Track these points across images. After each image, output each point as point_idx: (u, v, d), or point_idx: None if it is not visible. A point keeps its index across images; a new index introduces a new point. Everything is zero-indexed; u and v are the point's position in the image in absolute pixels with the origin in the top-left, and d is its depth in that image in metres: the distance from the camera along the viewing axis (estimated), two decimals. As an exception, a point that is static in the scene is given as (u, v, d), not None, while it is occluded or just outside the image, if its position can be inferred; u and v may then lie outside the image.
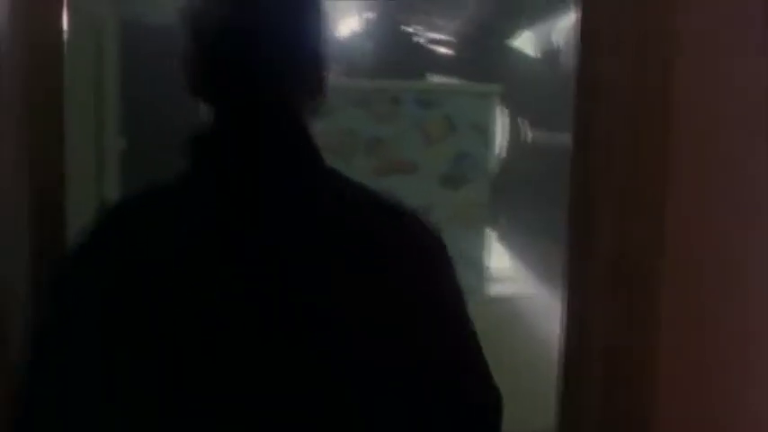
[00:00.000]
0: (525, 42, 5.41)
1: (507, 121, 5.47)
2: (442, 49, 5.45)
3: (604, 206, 1.17)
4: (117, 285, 1.00)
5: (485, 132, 4.38)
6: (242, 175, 0.99)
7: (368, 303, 0.99)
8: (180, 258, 0.99)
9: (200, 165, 1.01)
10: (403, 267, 1.00)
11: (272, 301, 0.97)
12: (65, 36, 1.32)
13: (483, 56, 5.21)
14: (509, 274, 5.28)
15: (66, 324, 1.02)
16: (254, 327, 0.99)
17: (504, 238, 5.46)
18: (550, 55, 5.36)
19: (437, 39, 5.41)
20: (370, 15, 5.21)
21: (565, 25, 5.26)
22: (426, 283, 1.02)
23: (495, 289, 4.62)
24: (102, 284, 1.01)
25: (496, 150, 5.07)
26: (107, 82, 3.23)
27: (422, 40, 5.40)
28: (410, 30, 5.34)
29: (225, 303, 0.98)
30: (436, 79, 5.15)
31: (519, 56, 5.41)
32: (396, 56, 4.99)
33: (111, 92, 3.31)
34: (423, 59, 5.21)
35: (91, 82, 3.19)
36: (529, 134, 5.44)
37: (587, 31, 1.19)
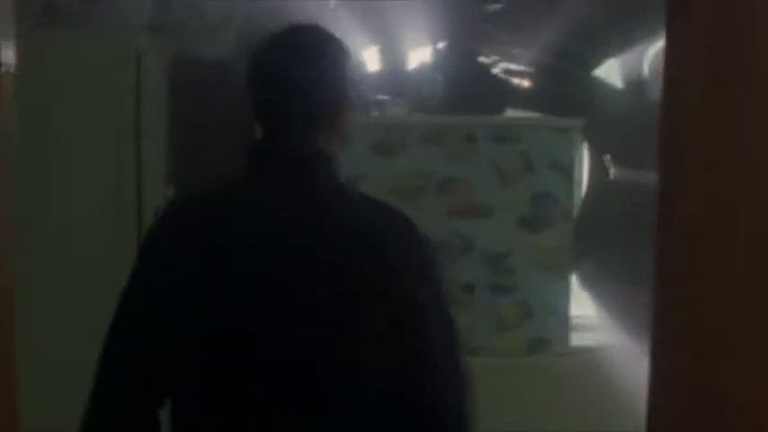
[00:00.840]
0: (610, 72, 5.45)
1: (590, 158, 5.51)
2: (520, 81, 5.50)
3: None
4: (177, 263, 1.60)
5: (566, 171, 4.38)
6: (273, 178, 1.63)
7: (371, 288, 1.55)
8: (225, 241, 1.58)
9: (248, 171, 1.63)
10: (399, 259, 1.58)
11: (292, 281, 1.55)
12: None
13: (564, 87, 5.27)
14: (593, 323, 5.25)
15: (144, 291, 1.62)
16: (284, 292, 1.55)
17: (587, 284, 5.45)
18: (637, 86, 5.38)
19: (514, 69, 5.48)
20: (443, 45, 5.27)
21: (654, 54, 5.30)
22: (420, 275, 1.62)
23: (578, 339, 4.60)
24: (168, 260, 1.61)
25: (578, 190, 5.14)
26: (152, 123, 3.30)
27: (498, 71, 5.45)
28: (486, 60, 5.42)
29: (258, 283, 1.55)
30: (513, 113, 5.21)
31: (603, 87, 5.45)
32: (470, 88, 5.05)
33: (156, 135, 3.40)
34: (499, 92, 5.30)
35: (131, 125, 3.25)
36: (614, 172, 5.45)
37: (673, 61, 1.20)
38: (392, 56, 5.35)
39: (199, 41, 3.69)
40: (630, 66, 5.38)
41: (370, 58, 4.88)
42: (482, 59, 5.36)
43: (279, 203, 1.61)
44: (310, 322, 1.57)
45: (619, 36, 5.22)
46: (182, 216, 1.70)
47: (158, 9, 3.55)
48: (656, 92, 5.26)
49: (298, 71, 1.62)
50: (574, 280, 4.78)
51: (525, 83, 5.52)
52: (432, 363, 1.60)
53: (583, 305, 5.19)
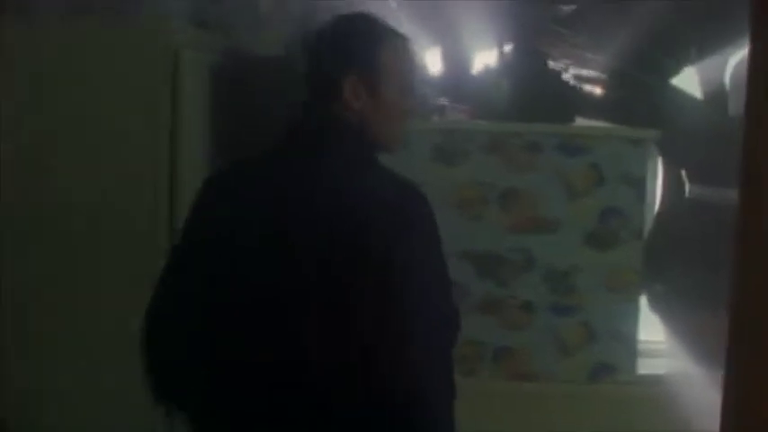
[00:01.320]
0: (688, 81, 5.40)
1: (664, 172, 5.45)
2: (592, 88, 5.49)
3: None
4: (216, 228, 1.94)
5: (638, 185, 4.34)
6: (292, 147, 2.00)
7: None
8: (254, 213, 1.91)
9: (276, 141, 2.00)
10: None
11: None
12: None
13: (638, 96, 5.21)
14: (662, 350, 5.14)
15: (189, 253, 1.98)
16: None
17: (657, 308, 5.36)
18: (717, 98, 5.33)
19: (586, 75, 5.49)
20: (510, 48, 5.30)
21: (736, 63, 5.26)
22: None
23: (645, 366, 4.57)
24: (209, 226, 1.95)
25: (651, 207, 5.07)
26: (189, 125, 3.30)
27: (568, 77, 5.48)
28: (555, 65, 5.43)
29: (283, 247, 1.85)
30: (583, 122, 5.17)
31: (681, 97, 5.38)
32: (538, 95, 5.01)
33: (196, 137, 3.38)
34: (568, 99, 5.25)
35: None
36: (690, 188, 5.42)
37: (758, 67, 1.18)
38: (455, 58, 5.34)
39: (250, 38, 3.69)
40: (711, 75, 5.33)
41: (431, 61, 4.87)
42: (551, 64, 5.36)
43: (294, 171, 1.95)
44: (313, 288, 1.88)
45: (699, 43, 5.20)
46: (212, 188, 2.07)
47: (204, 1, 3.56)
48: (737, 105, 5.25)
49: (323, 44, 2.05)
50: (643, 303, 4.71)
51: (597, 90, 5.50)
52: (421, 348, 1.86)
53: (652, 330, 5.11)
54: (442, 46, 4.80)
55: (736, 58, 5.25)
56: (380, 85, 2.04)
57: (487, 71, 5.38)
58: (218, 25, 3.61)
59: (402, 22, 4.63)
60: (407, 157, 4.01)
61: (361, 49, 2.03)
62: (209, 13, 3.57)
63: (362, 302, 1.84)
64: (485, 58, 5.41)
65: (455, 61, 5.33)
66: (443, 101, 4.38)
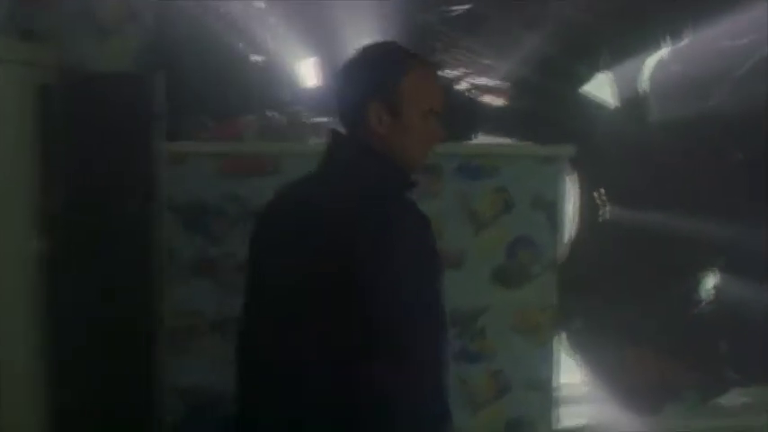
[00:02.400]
0: (602, 89, 5.42)
1: (579, 193, 5.42)
2: (493, 99, 5.42)
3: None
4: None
5: (551, 209, 4.36)
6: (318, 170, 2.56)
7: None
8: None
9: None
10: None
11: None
12: None
13: (547, 107, 5.18)
14: (584, 395, 5.30)
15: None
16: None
17: (577, 348, 5.39)
18: (635, 103, 5.37)
19: (486, 85, 5.40)
20: None
21: (653, 66, 5.36)
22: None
23: (567, 415, 4.68)
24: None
25: (565, 233, 5.04)
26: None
27: (466, 88, 5.37)
28: (450, 74, 5.31)
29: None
30: (485, 140, 5.09)
31: (594, 106, 5.40)
32: None
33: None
34: (467, 113, 5.16)
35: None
36: (608, 211, 5.41)
37: None
38: (334, 69, 5.08)
39: (87, 51, 3.62)
40: (626, 80, 5.37)
41: (305, 72, 4.78)
42: (445, 73, 5.23)
43: (322, 195, 2.47)
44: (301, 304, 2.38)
45: (612, 45, 5.21)
46: (260, 213, 2.64)
47: (29, 8, 3.48)
48: (656, 111, 5.27)
49: (348, 73, 2.56)
50: (560, 343, 4.74)
51: (499, 102, 5.43)
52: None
53: (572, 374, 5.19)
54: (318, 55, 4.66)
55: (653, 59, 5.33)
56: (403, 110, 2.45)
57: None
58: (49, 36, 3.53)
59: (270, 26, 4.54)
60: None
61: (384, 75, 2.46)
62: (35, 21, 3.50)
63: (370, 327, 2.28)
64: None
65: (333, 72, 5.10)
66: (321, 118, 4.23)
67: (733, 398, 5.61)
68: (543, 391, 4.37)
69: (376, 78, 2.47)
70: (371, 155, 2.47)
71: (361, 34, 4.13)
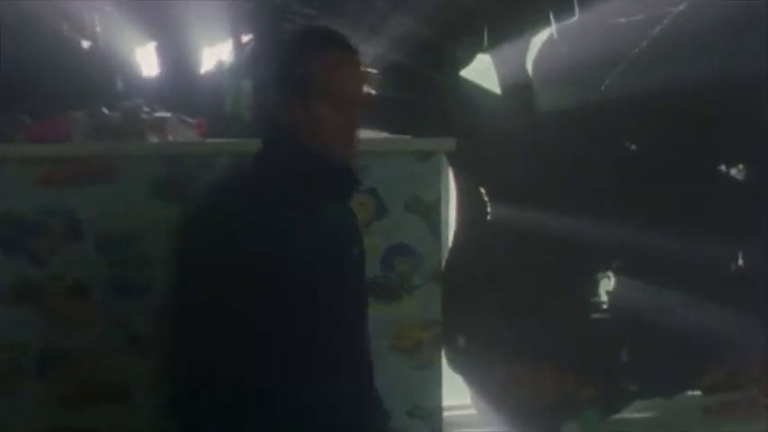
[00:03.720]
0: (483, 73, 5.37)
1: (460, 191, 5.40)
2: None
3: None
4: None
5: (430, 212, 4.20)
6: None
7: None
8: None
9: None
10: None
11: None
12: None
13: (421, 95, 5.11)
14: (472, 418, 5.36)
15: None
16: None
17: (463, 365, 5.32)
18: (520, 89, 5.33)
19: None
20: (248, 39, 5.09)
21: (541, 46, 5.37)
22: None
23: None
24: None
25: (446, 237, 4.92)
26: None
27: None
28: None
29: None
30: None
31: (474, 93, 5.35)
32: None
33: None
34: None
35: None
36: (492, 210, 5.37)
37: None
38: (176, 55, 5.00)
39: None
40: (509, 64, 5.33)
41: (144, 60, 4.53)
42: None
43: (250, 189, 2.73)
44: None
45: (493, 24, 5.16)
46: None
47: None
48: (543, 98, 5.20)
49: (261, 64, 3.15)
50: (444, 362, 4.54)
51: (368, 90, 5.25)
52: None
53: (458, 393, 5.20)
54: (159, 39, 4.46)
55: (539, 39, 5.32)
56: (313, 99, 2.62)
57: (221, 71, 5.06)
58: None
59: (100, 6, 4.33)
60: (119, 194, 3.66)
61: (294, 63, 2.64)
62: None
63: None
64: (216, 54, 5.17)
65: (176, 59, 5.00)
66: (162, 114, 4.02)
67: (635, 411, 5.63)
68: (428, 420, 4.21)
69: (287, 66, 2.66)
70: (285, 146, 2.70)
71: (206, 15, 3.95)
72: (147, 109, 4.12)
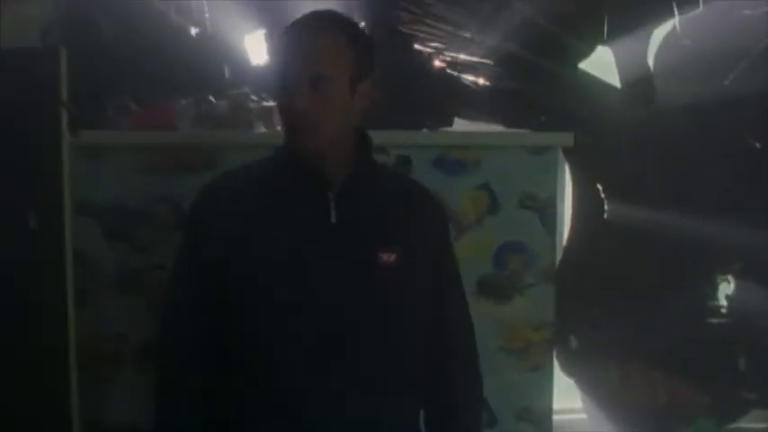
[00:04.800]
0: (603, 66, 5.24)
1: (576, 189, 5.26)
2: (474, 79, 5.27)
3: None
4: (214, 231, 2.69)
5: (545, 209, 4.14)
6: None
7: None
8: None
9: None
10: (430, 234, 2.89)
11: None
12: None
13: (539, 88, 4.99)
14: (583, 425, 5.22)
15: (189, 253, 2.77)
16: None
17: (573, 369, 5.23)
18: (641, 86, 5.18)
19: (465, 62, 5.21)
20: (362, 26, 4.93)
21: (663, 39, 5.19)
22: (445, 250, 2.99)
23: None
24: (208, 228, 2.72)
25: (561, 236, 4.90)
26: None
27: (442, 65, 5.18)
28: (423, 49, 5.13)
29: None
30: (467, 127, 4.91)
31: (594, 87, 5.22)
32: (401, 91, 4.69)
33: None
34: (444, 96, 4.99)
35: None
36: (613, 209, 5.22)
37: None
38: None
39: None
40: (630, 57, 5.17)
41: (253, 48, 4.58)
42: (417, 47, 5.07)
43: None
44: None
45: (614, 15, 5.01)
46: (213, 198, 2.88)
47: None
48: (664, 93, 5.05)
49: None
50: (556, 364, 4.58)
51: (484, 82, 5.26)
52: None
53: (569, 396, 5.13)
54: (268, 26, 4.42)
55: (661, 32, 5.17)
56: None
57: None
58: None
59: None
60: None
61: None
62: None
63: None
64: None
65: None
66: (270, 103, 4.02)
67: (752, 421, 5.43)
68: (537, 424, 4.15)
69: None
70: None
71: (317, 1, 3.85)
72: (254, 98, 4.12)
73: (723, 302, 5.42)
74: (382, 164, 2.84)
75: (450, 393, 3.00)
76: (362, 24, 4.92)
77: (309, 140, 2.61)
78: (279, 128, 4.05)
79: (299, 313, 2.63)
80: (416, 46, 5.04)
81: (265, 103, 4.01)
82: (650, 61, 5.18)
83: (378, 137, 3.78)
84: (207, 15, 4.28)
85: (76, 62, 3.29)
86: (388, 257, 2.70)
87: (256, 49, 4.46)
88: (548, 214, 4.13)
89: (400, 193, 2.87)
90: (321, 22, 2.65)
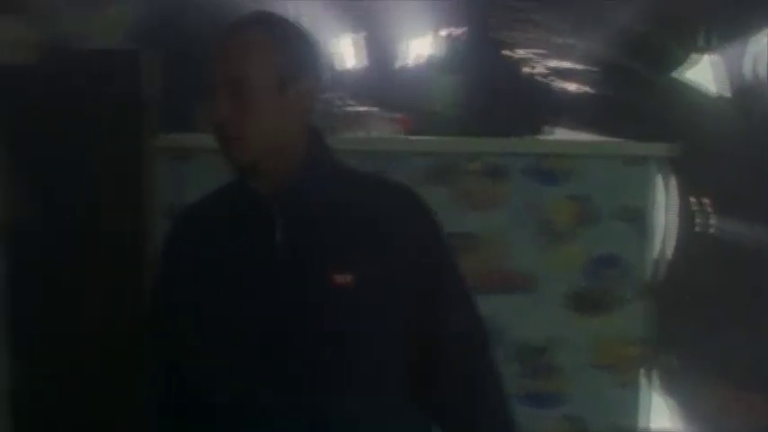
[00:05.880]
0: (703, 73, 5.17)
1: (677, 201, 5.10)
2: (570, 86, 5.31)
3: None
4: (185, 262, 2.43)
5: (640, 221, 4.17)
6: None
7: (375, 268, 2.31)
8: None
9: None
10: (405, 242, 2.36)
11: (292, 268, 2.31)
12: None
13: (637, 96, 4.94)
14: None
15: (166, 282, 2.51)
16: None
17: (671, 388, 5.02)
18: (743, 93, 5.12)
19: (561, 68, 5.27)
20: (456, 32, 5.03)
21: (762, 46, 5.07)
22: (427, 253, 2.40)
23: None
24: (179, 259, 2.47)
25: (659, 250, 4.74)
26: None
27: (536, 72, 5.23)
28: (518, 54, 5.16)
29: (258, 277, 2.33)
30: (561, 135, 4.85)
31: (694, 96, 5.17)
32: (493, 99, 4.68)
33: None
34: (539, 103, 4.95)
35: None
36: (712, 222, 5.15)
37: None
38: (382, 47, 5.06)
39: (69, 25, 3.43)
40: (732, 64, 5.11)
41: (344, 51, 4.47)
42: (511, 53, 5.08)
43: None
44: None
45: (715, 21, 4.98)
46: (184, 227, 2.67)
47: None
48: (765, 102, 4.98)
49: None
50: (651, 383, 4.52)
51: (578, 88, 5.29)
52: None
53: (662, 417, 4.86)
54: (364, 30, 4.45)
55: (764, 37, 5.05)
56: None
57: (430, 65, 5.08)
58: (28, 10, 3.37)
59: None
60: None
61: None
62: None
63: None
64: (417, 47, 5.17)
65: (382, 52, 5.06)
66: (366, 108, 4.03)
67: None
68: None
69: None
70: None
71: (407, 6, 3.89)
72: (339, 102, 4.16)
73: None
74: (348, 167, 2.49)
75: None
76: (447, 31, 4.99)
77: (237, 152, 2.33)
78: (374, 133, 4.12)
79: (239, 351, 2.35)
80: (507, 51, 5.05)
81: (350, 108, 4.04)
82: (750, 69, 5.09)
83: (479, 145, 3.80)
84: (299, 18, 4.32)
85: (166, 64, 3.34)
86: (342, 279, 2.31)
87: (341, 52, 4.48)
88: (643, 226, 4.14)
89: (364, 200, 2.44)
90: (242, 22, 2.38)
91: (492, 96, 4.69)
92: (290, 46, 2.34)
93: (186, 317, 2.40)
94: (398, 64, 5.15)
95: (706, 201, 5.12)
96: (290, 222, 2.33)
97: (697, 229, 5.09)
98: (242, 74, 2.26)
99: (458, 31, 5.03)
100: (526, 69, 5.08)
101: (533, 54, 5.12)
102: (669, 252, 5.00)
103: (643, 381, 4.28)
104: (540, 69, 5.11)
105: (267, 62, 2.29)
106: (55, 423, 3.35)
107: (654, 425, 4.45)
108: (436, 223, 2.49)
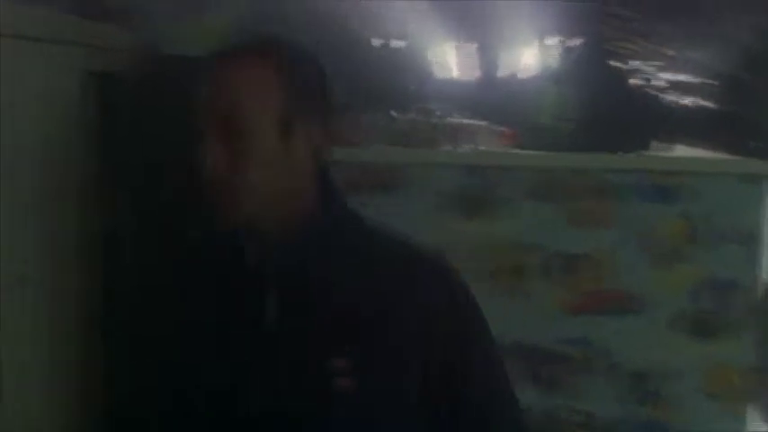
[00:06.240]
0: None
1: None
2: (683, 100, 5.22)
3: None
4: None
5: (753, 243, 4.02)
6: None
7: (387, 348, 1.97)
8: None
9: None
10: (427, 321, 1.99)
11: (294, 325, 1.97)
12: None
13: (755, 111, 4.82)
14: None
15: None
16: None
17: None
18: None
19: (674, 81, 5.19)
20: (565, 42, 4.98)
21: None
22: (456, 337, 2.04)
23: None
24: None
25: None
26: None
27: (650, 85, 5.16)
28: (627, 66, 5.09)
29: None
30: (673, 152, 4.75)
31: None
32: (604, 113, 4.56)
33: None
34: (649, 118, 4.80)
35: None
36: None
37: None
38: (488, 57, 4.99)
39: (162, 31, 3.49)
40: None
41: (451, 61, 4.59)
42: (624, 65, 5.02)
43: None
44: None
45: None
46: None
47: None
48: None
49: None
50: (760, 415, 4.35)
51: (693, 102, 5.20)
52: None
53: None
54: (461, 39, 4.44)
55: None
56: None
57: (538, 75, 5.01)
58: (118, 14, 3.39)
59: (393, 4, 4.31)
60: (406, 205, 3.65)
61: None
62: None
63: None
64: (529, 57, 5.08)
65: (486, 60, 4.98)
66: (469, 121, 4.00)
67: None
68: None
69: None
70: None
71: (513, 15, 3.84)
72: (438, 113, 4.14)
73: None
74: (367, 227, 2.09)
75: None
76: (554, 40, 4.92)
77: (228, 207, 1.94)
78: (481, 146, 4.08)
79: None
80: (620, 64, 4.99)
81: (452, 120, 4.00)
82: None
83: (581, 162, 3.71)
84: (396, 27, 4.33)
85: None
86: (344, 381, 1.92)
87: (445, 62, 4.46)
88: (756, 248, 4.01)
89: (383, 271, 2.02)
90: (238, 49, 2.00)
91: (602, 110, 4.59)
92: (296, 78, 1.96)
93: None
94: (505, 74, 5.08)
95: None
96: (286, 297, 1.97)
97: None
98: (238, 114, 1.90)
99: (570, 42, 4.98)
100: (639, 82, 5.01)
101: (648, 66, 5.06)
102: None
103: (752, 411, 4.13)
104: (655, 82, 5.04)
105: (269, 100, 1.93)
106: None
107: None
108: (476, 313, 2.13)
